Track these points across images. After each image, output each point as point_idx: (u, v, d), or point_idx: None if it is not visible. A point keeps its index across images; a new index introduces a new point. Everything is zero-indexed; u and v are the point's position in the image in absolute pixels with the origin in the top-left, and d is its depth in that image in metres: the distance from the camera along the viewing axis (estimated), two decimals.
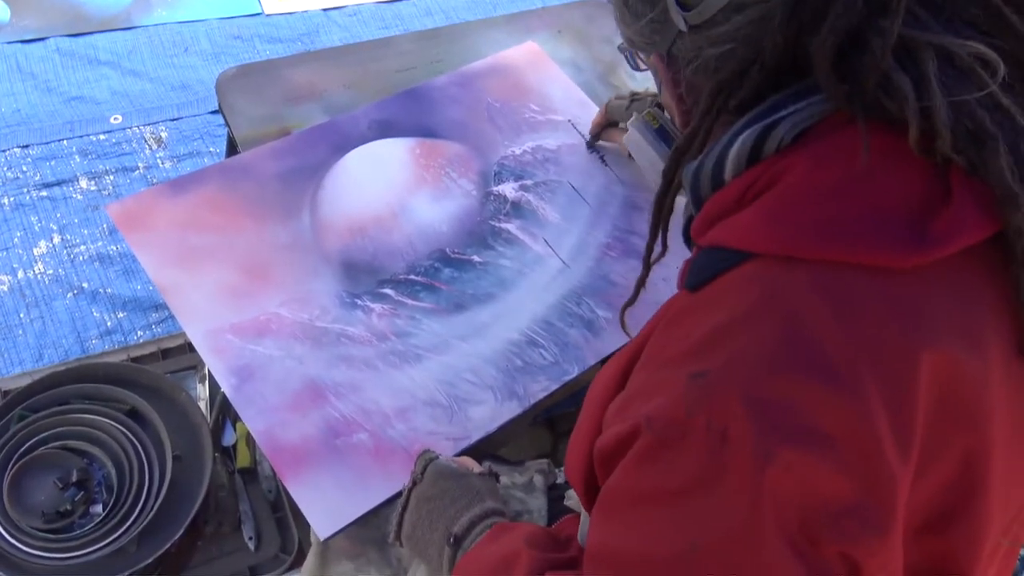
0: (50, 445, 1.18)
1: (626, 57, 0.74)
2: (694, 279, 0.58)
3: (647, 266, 0.75)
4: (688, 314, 0.57)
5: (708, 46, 0.59)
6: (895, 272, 0.52)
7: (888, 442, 0.49)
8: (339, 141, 1.22)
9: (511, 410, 1.03)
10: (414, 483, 0.87)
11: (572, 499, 0.94)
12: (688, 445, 0.51)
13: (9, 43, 2.04)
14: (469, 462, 0.91)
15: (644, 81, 1.43)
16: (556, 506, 0.97)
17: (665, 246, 0.72)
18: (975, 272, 0.55)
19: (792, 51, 0.54)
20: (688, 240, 0.68)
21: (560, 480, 1.03)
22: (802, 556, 0.48)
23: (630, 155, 1.21)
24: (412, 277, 1.12)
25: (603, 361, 1.12)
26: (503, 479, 0.97)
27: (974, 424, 0.54)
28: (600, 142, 1.28)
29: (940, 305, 0.53)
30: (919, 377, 0.50)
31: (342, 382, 1.01)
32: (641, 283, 0.78)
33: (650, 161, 0.89)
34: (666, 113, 0.82)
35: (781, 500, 0.48)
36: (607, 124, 1.24)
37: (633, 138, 0.89)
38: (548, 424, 1.75)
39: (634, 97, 1.18)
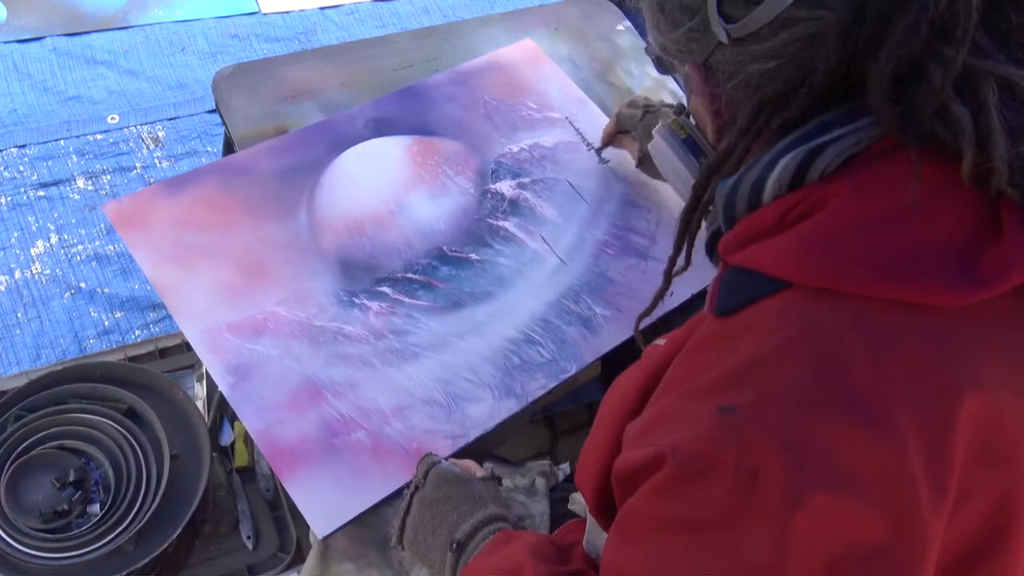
0: (47, 445, 1.18)
1: (652, 60, 0.72)
2: (725, 303, 0.57)
3: (668, 279, 0.73)
4: (718, 341, 0.56)
5: (751, 61, 0.57)
6: (940, 310, 0.50)
7: (923, 487, 0.48)
8: (336, 139, 1.22)
9: (509, 408, 1.03)
10: (416, 487, 0.87)
11: (576, 503, 0.94)
12: (715, 480, 0.50)
13: (6, 43, 2.03)
14: (472, 466, 0.90)
15: (640, 78, 1.43)
16: (558, 508, 0.97)
17: (688, 260, 0.71)
18: (1021, 308, 0.53)
19: (844, 72, 0.52)
20: (711, 252, 0.66)
21: (561, 478, 1.03)
22: None
23: (638, 164, 1.20)
24: (409, 275, 1.12)
25: (603, 359, 1.12)
26: (505, 482, 0.96)
27: (1011, 463, 0.52)
28: (611, 147, 1.26)
29: (985, 344, 0.51)
30: (959, 419, 0.49)
31: (340, 381, 1.01)
32: (660, 296, 0.76)
33: (674, 171, 0.87)
34: (693, 121, 0.79)
35: (809, 544, 0.47)
36: (617, 132, 1.23)
37: (658, 146, 0.87)
38: (547, 422, 1.75)
39: (647, 109, 1.17)
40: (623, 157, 1.28)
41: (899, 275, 0.50)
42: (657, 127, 0.92)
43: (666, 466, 0.52)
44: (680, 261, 0.71)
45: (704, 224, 0.68)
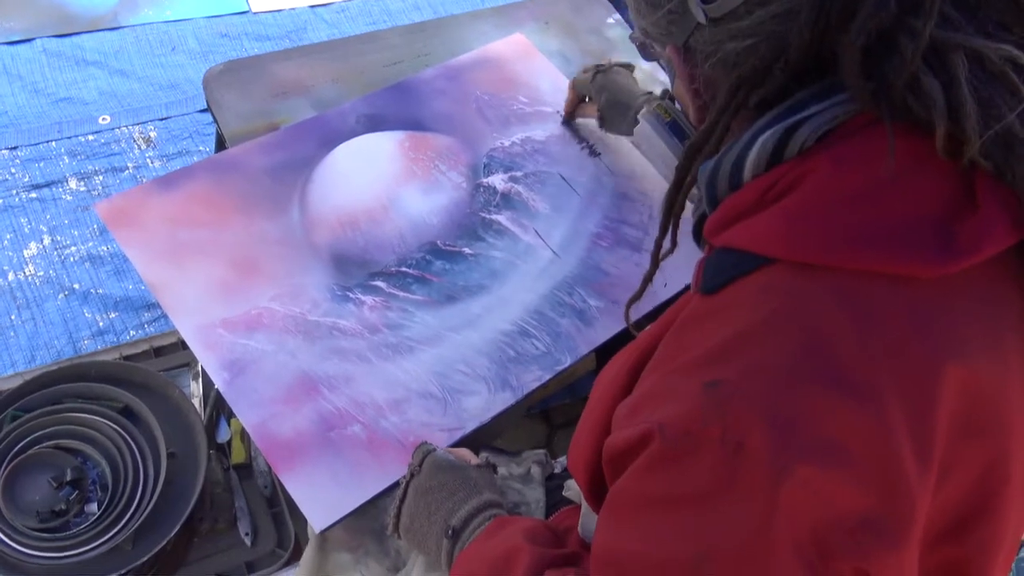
0: (44, 444, 1.18)
1: (637, 47, 0.72)
2: (709, 282, 0.57)
3: (655, 262, 0.73)
4: (703, 319, 0.56)
5: (728, 40, 0.57)
6: (919, 281, 0.51)
7: (908, 456, 0.48)
8: (328, 135, 1.22)
9: (504, 400, 1.04)
10: (412, 475, 0.87)
11: (571, 490, 0.94)
12: (701, 455, 0.50)
13: None
14: (467, 454, 0.91)
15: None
16: (554, 496, 0.97)
17: (674, 243, 0.70)
18: (999, 279, 0.54)
19: (817, 48, 0.53)
20: (698, 237, 0.67)
21: (557, 470, 1.03)
22: (813, 570, 0.48)
23: (600, 126, 1.21)
24: (403, 269, 1.12)
25: (597, 351, 1.12)
26: (501, 470, 0.97)
27: (994, 433, 0.53)
28: (577, 120, 1.28)
29: (965, 315, 0.52)
30: (942, 390, 0.50)
31: (335, 375, 1.01)
32: (648, 279, 0.76)
33: (661, 154, 0.87)
34: (678, 105, 0.80)
35: (795, 515, 0.48)
36: (579, 100, 1.25)
37: (643, 131, 0.87)
38: (543, 416, 1.75)
39: (598, 69, 1.18)
40: (615, 150, 1.29)
41: (878, 247, 0.51)
42: (642, 111, 0.92)
43: (653, 443, 0.53)
44: (666, 243, 0.71)
45: (691, 210, 0.69)
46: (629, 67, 1.21)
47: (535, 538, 0.73)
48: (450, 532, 0.81)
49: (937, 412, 0.50)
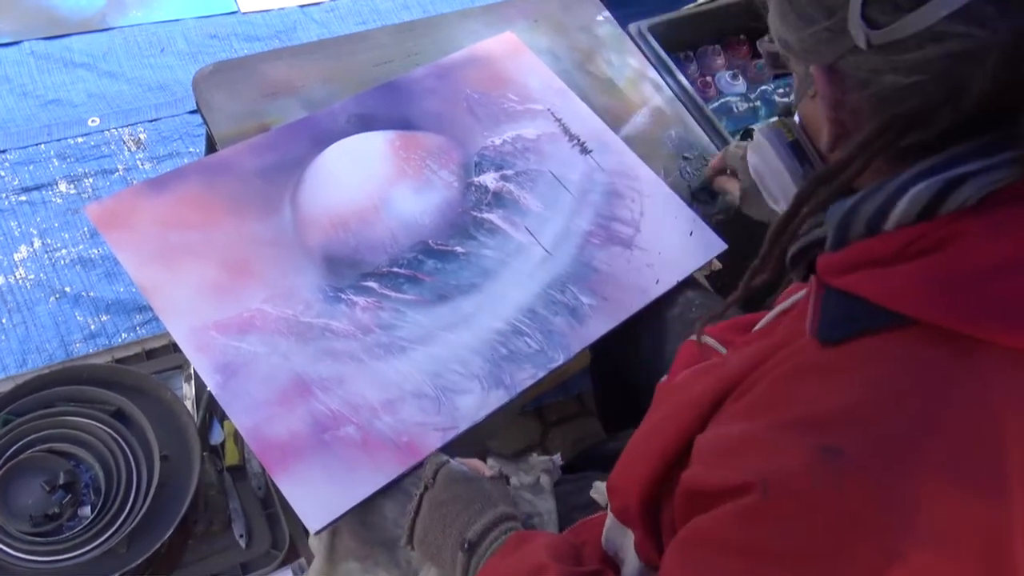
0: (36, 448, 1.17)
1: (764, 55, 0.67)
2: (831, 331, 0.54)
3: (746, 288, 0.68)
4: (823, 372, 0.53)
5: (888, 71, 0.52)
6: None
7: (1021, 551, 0.47)
8: (318, 136, 1.22)
9: (498, 399, 1.04)
10: (426, 487, 0.87)
11: (598, 492, 0.94)
12: (807, 519, 0.49)
13: None
14: (480, 465, 0.91)
15: (621, 68, 1.43)
16: (565, 503, 0.97)
17: (775, 271, 0.65)
18: None
19: (998, 99, 0.49)
20: (796, 264, 0.64)
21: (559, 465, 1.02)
22: None
23: (740, 203, 1.18)
24: (395, 270, 1.12)
25: (593, 349, 1.12)
26: (512, 480, 0.97)
27: None
28: (715, 187, 1.25)
29: None
30: None
31: (328, 376, 1.01)
32: (733, 303, 0.71)
33: (774, 173, 0.82)
34: (799, 124, 0.76)
35: None
36: (721, 170, 1.22)
37: (760, 147, 0.82)
38: (537, 414, 1.76)
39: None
40: (606, 148, 1.29)
41: None
42: (760, 126, 0.87)
43: (752, 495, 0.51)
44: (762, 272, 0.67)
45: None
46: (786, 110, 1.17)
47: (559, 555, 0.73)
48: (466, 545, 0.80)
49: None
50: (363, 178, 1.19)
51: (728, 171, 1.21)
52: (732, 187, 1.19)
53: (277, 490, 1.22)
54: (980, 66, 0.48)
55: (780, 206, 0.84)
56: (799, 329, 0.59)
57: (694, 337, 0.85)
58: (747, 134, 0.88)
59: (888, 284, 0.52)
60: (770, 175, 0.83)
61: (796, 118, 0.74)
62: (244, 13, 2.19)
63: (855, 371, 0.51)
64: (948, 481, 0.47)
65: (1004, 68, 0.47)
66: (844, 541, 0.48)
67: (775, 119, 0.87)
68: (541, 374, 1.06)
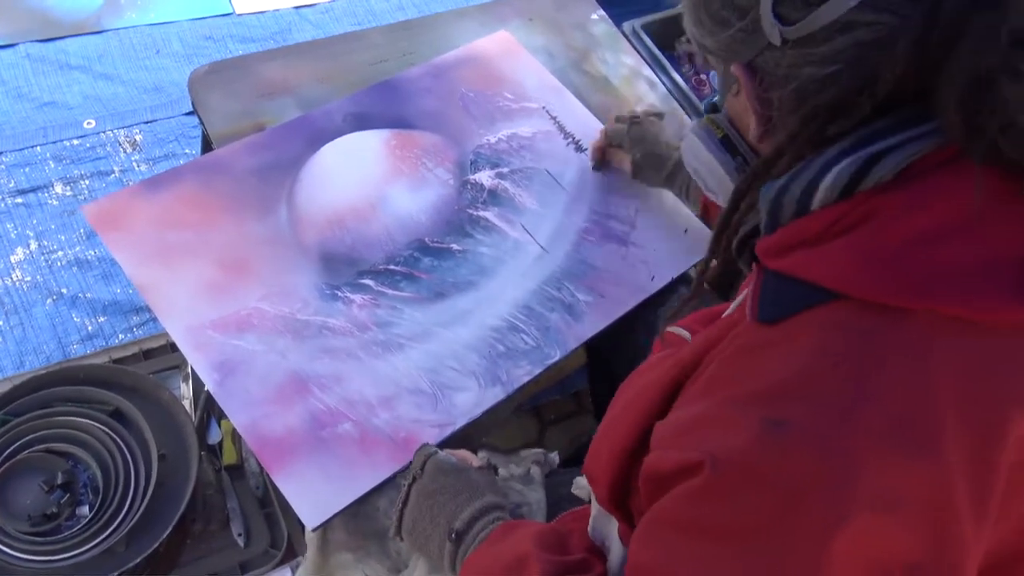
0: (34, 448, 1.17)
1: (688, 57, 0.70)
2: (769, 311, 0.56)
3: (699, 285, 0.70)
4: (765, 349, 0.55)
5: (805, 65, 0.54)
6: (992, 327, 0.50)
7: (965, 508, 0.48)
8: (314, 135, 1.22)
9: (495, 395, 1.04)
10: (414, 478, 0.87)
11: (580, 487, 0.94)
12: (756, 493, 0.50)
13: None
14: (468, 456, 0.91)
15: (616, 66, 1.44)
16: (553, 495, 0.97)
17: (723, 264, 0.67)
18: None
19: (912, 81, 0.50)
20: (740, 252, 0.65)
21: (555, 465, 1.03)
22: None
23: (634, 176, 1.21)
24: (392, 267, 1.12)
25: (589, 347, 1.13)
26: (501, 471, 0.97)
27: None
28: (604, 164, 1.28)
29: None
30: (1006, 441, 0.49)
31: (325, 374, 1.02)
32: (692, 298, 0.73)
33: (709, 170, 0.84)
34: (727, 119, 0.77)
35: (848, 562, 0.47)
36: (608, 146, 1.24)
37: (692, 145, 0.84)
38: (535, 412, 1.76)
39: (633, 120, 1.18)
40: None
41: (954, 290, 0.49)
42: (691, 126, 0.88)
43: (703, 473, 0.52)
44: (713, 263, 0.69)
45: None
46: (660, 115, 1.21)
47: (544, 544, 0.73)
48: (453, 535, 0.81)
49: (999, 465, 0.49)
50: (359, 176, 1.20)
51: (614, 145, 1.23)
52: (622, 160, 1.22)
53: (275, 489, 1.22)
54: (891, 52, 0.49)
55: (719, 199, 0.86)
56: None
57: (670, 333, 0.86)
58: (715, 108, 0.90)
59: (817, 263, 0.53)
60: (705, 171, 0.86)
61: (724, 114, 0.76)
62: (239, 15, 2.20)
63: (794, 345, 0.53)
64: (887, 445, 0.48)
65: (916, 52, 0.49)
66: (791, 511, 0.49)
67: (704, 116, 0.90)
68: (537, 370, 1.07)
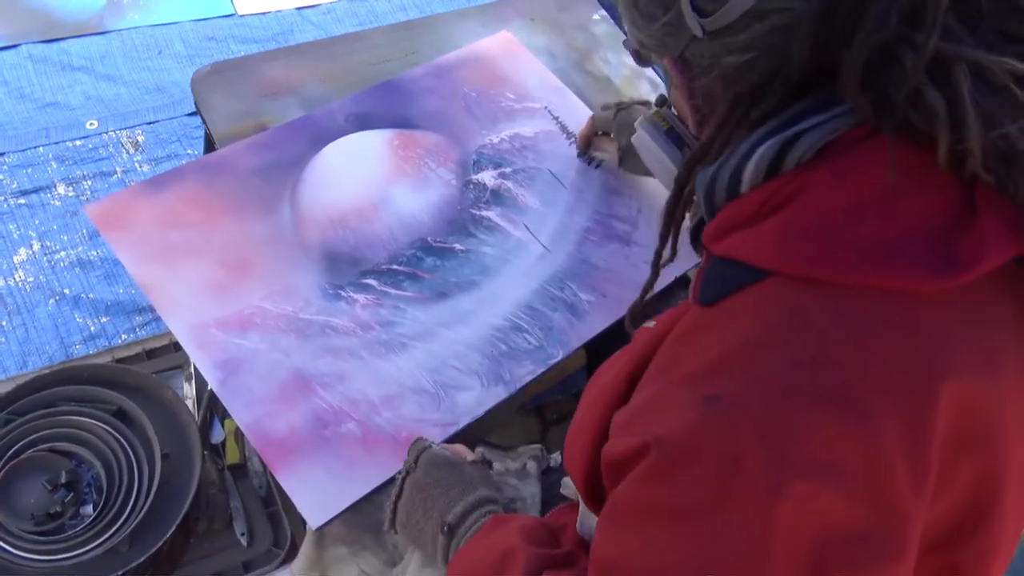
0: (38, 448, 1.18)
1: (631, 52, 0.72)
2: (707, 293, 0.57)
3: (656, 271, 0.73)
4: (702, 330, 0.57)
5: (726, 54, 0.57)
6: (917, 296, 0.51)
7: (902, 473, 0.49)
8: (317, 134, 1.22)
9: (498, 395, 1.04)
10: (408, 472, 0.87)
11: (568, 487, 0.95)
12: (699, 469, 0.51)
13: None
14: (462, 450, 0.91)
15: (618, 66, 1.44)
16: (550, 491, 0.98)
17: (674, 251, 0.70)
18: (997, 293, 0.54)
19: (818, 62, 0.52)
20: (695, 243, 0.67)
21: (553, 465, 1.03)
22: None
23: (620, 163, 1.21)
24: (394, 267, 1.12)
25: (588, 346, 1.13)
26: (496, 466, 0.97)
27: (989, 446, 0.53)
28: (592, 152, 1.28)
29: (962, 331, 0.52)
30: (937, 407, 0.50)
31: (328, 373, 1.02)
32: (649, 288, 0.76)
33: (659, 162, 0.87)
34: (674, 110, 0.80)
35: (791, 531, 0.48)
36: (594, 134, 1.24)
37: (641, 139, 0.88)
38: (537, 412, 1.76)
39: (620, 107, 1.19)
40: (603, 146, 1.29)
41: (876, 261, 0.51)
42: (639, 120, 0.93)
43: (650, 456, 0.53)
44: (666, 252, 0.71)
45: (688, 214, 0.69)
46: (647, 104, 1.21)
47: (531, 538, 0.74)
48: (445, 528, 0.81)
49: (932, 429, 0.50)
50: (362, 176, 1.20)
51: (600, 134, 1.24)
52: (610, 148, 1.23)
53: (278, 488, 1.22)
54: (796, 36, 0.52)
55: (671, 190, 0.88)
56: None
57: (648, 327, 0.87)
58: (664, 102, 0.93)
59: (750, 242, 0.55)
60: (655, 163, 0.88)
61: (673, 109, 0.78)
62: (241, 16, 2.20)
63: (727, 322, 0.55)
64: (820, 413, 0.49)
65: (820, 35, 0.51)
66: (730, 483, 0.50)
67: (652, 111, 0.91)
68: (540, 370, 1.07)
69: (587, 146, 1.27)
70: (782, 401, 0.50)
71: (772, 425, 0.49)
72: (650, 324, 0.84)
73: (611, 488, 0.59)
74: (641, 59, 0.68)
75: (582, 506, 0.80)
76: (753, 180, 0.56)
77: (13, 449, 1.17)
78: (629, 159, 1.19)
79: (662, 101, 0.99)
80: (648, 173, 1.18)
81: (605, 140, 1.23)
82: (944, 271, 0.50)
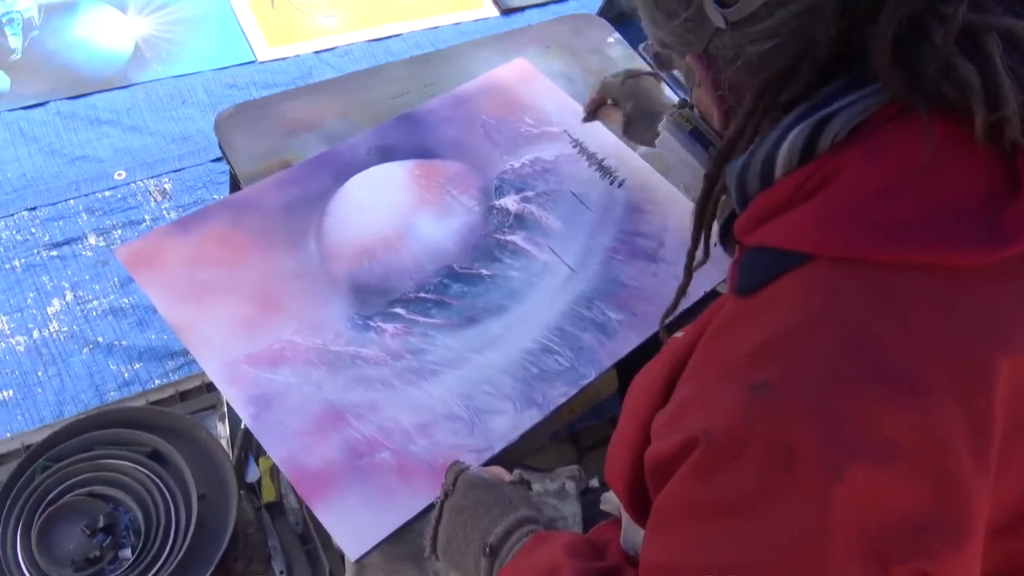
0: (75, 492, 1.18)
1: (651, 58, 0.71)
2: (745, 283, 0.56)
3: (689, 274, 0.72)
4: (742, 320, 0.55)
5: (750, 43, 0.56)
6: (961, 271, 0.50)
7: (964, 453, 0.47)
8: (340, 169, 1.23)
9: (532, 418, 1.03)
10: (446, 495, 0.86)
11: (609, 503, 0.93)
12: (750, 459, 0.49)
13: (11, 111, 2.07)
14: (500, 471, 0.90)
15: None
16: (590, 510, 0.96)
17: (707, 253, 0.69)
18: None
19: (845, 42, 0.52)
20: (725, 239, 0.66)
21: (592, 484, 1.02)
22: (873, 575, 0.47)
23: (624, 132, 1.21)
24: (422, 295, 1.12)
25: (620, 368, 1.11)
26: (535, 486, 0.96)
27: None
28: (597, 120, 1.29)
29: (1009, 305, 0.50)
30: (997, 384, 0.48)
31: (360, 403, 1.01)
32: (682, 292, 0.74)
33: (684, 163, 0.86)
34: (696, 112, 0.80)
35: (851, 517, 0.46)
36: (602, 102, 1.25)
37: (665, 141, 0.87)
38: (572, 439, 1.74)
39: (629, 74, 1.19)
40: (623, 163, 1.29)
41: (919, 237, 0.50)
42: (662, 122, 0.93)
43: (698, 450, 0.51)
44: (699, 254, 0.70)
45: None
46: (659, 77, 1.21)
47: (576, 552, 0.72)
48: (487, 550, 0.80)
49: (992, 405, 0.48)
50: (386, 207, 1.20)
51: (609, 102, 1.23)
52: (615, 116, 1.22)
53: (316, 525, 1.22)
54: (822, 17, 0.51)
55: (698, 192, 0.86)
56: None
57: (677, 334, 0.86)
58: (686, 104, 0.93)
59: (788, 228, 0.54)
60: (680, 165, 0.87)
61: (695, 109, 0.78)
62: (261, 62, 2.24)
63: (770, 309, 0.53)
64: (875, 394, 0.47)
65: (842, 14, 0.51)
66: (785, 472, 0.48)
67: (674, 113, 0.91)
68: (573, 391, 1.06)
69: (595, 111, 1.27)
70: (832, 384, 0.48)
71: (823, 409, 0.48)
72: (680, 335, 0.83)
73: (656, 492, 0.57)
74: (661, 61, 0.68)
75: (625, 520, 0.78)
76: (786, 165, 0.55)
77: (51, 495, 1.17)
78: (633, 128, 1.18)
79: (685, 104, 0.98)
80: (651, 144, 1.14)
81: (612, 109, 1.23)
82: (988, 244, 0.49)
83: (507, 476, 0.89)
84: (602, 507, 0.92)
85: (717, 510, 0.51)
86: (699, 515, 0.52)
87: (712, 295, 1.17)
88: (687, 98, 0.83)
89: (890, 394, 0.47)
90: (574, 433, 1.73)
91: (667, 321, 0.83)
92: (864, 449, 0.46)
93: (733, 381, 0.51)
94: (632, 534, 0.77)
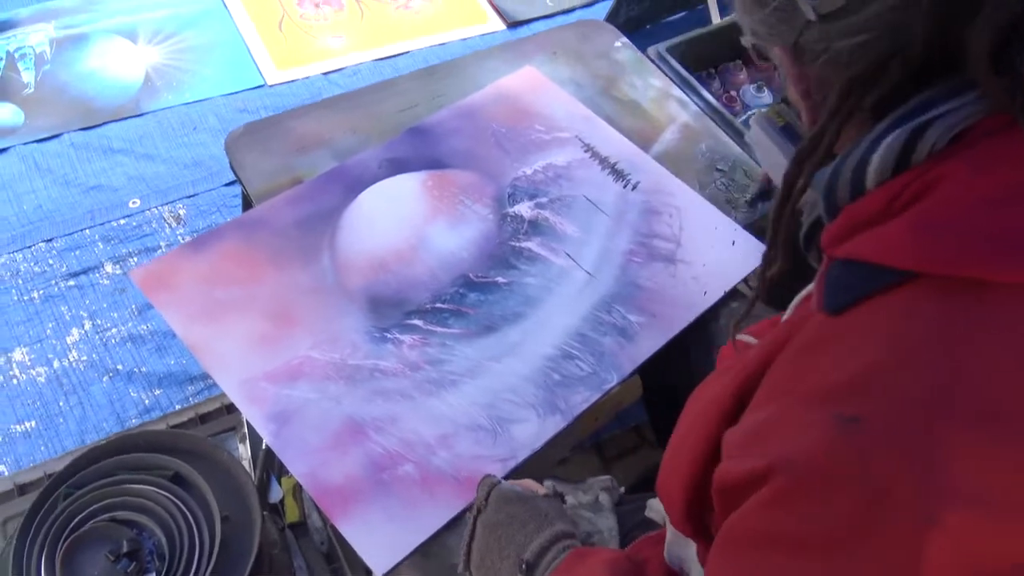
0: (98, 519, 1.17)
1: (750, 49, 0.67)
2: (835, 300, 0.53)
3: (764, 281, 0.67)
4: (832, 342, 0.52)
5: (839, 37, 0.53)
6: None
7: None
8: (351, 183, 1.23)
9: (555, 424, 1.02)
10: (479, 510, 0.84)
11: (654, 510, 0.91)
12: (834, 496, 0.46)
13: (25, 144, 2.08)
14: (533, 484, 0.88)
15: (644, 90, 1.43)
16: (625, 523, 0.94)
17: (787, 258, 0.64)
18: None
19: (941, 42, 0.48)
20: (808, 246, 0.63)
21: (623, 492, 1.00)
22: None
23: None
24: (438, 305, 1.11)
25: (644, 374, 1.10)
26: (568, 499, 0.94)
27: None
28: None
29: None
30: None
31: (380, 416, 1.00)
32: (757, 298, 0.70)
33: (775, 160, 0.84)
34: (792, 109, 0.77)
35: (943, 567, 0.43)
36: None
37: (756, 136, 0.84)
38: (596, 449, 1.72)
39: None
40: (636, 166, 1.28)
41: None
42: (754, 117, 0.90)
43: (777, 479, 0.48)
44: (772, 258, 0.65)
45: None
46: (781, 98, 1.17)
47: (617, 571, 0.71)
48: (524, 566, 0.78)
49: None
50: (399, 219, 1.20)
51: None
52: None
53: (341, 544, 1.20)
54: (918, 10, 0.48)
55: None
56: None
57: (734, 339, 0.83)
58: (785, 101, 0.90)
59: (882, 242, 0.50)
60: (770, 162, 0.83)
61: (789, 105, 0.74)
62: (271, 85, 2.25)
63: (864, 335, 0.50)
64: (975, 435, 0.44)
65: (936, 13, 0.48)
66: (875, 515, 0.44)
67: (769, 107, 0.88)
68: (596, 396, 1.04)
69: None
70: (930, 423, 0.45)
71: (920, 450, 0.44)
72: (747, 338, 0.81)
73: (722, 513, 0.54)
74: (758, 52, 0.64)
75: (670, 533, 0.75)
76: (880, 174, 0.52)
77: (74, 522, 1.16)
78: None
79: (782, 100, 0.95)
80: None
81: None
82: None
83: (540, 489, 0.87)
84: (647, 514, 0.90)
85: (796, 545, 0.48)
86: (773, 545, 0.49)
87: (730, 296, 1.15)
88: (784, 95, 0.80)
89: (993, 437, 0.44)
90: (598, 443, 1.72)
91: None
92: (962, 495, 0.43)
93: (818, 411, 0.48)
94: (677, 548, 0.75)
